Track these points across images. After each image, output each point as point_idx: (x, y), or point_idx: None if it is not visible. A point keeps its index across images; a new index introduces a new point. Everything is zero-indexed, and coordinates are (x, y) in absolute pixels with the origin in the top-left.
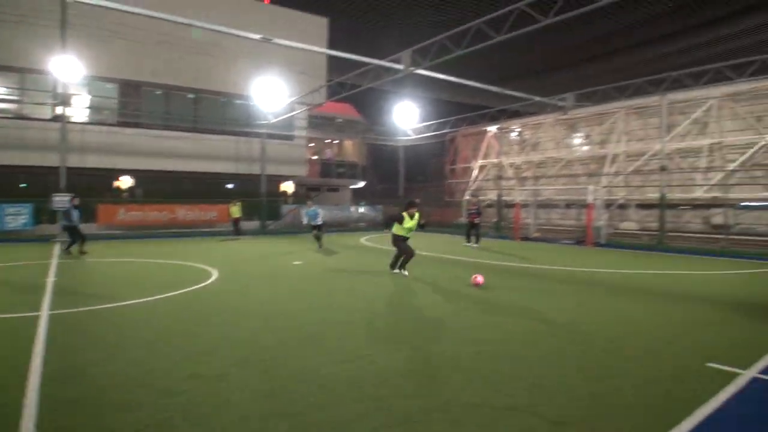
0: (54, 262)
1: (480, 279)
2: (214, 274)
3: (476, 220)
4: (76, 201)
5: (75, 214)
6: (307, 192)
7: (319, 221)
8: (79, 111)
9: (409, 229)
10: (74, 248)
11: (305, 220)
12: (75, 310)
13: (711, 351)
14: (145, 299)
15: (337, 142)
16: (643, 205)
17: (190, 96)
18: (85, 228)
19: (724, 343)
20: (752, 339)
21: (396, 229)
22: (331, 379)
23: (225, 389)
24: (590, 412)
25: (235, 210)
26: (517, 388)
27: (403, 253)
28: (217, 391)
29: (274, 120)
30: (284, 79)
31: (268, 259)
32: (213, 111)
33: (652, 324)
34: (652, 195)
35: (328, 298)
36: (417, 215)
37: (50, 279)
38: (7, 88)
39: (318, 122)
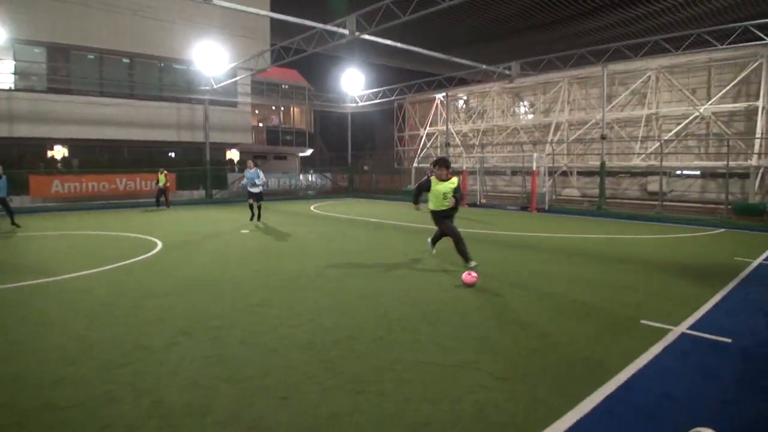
0: None
1: (471, 278)
2: (159, 245)
3: None
4: None
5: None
6: (253, 159)
7: (258, 188)
8: (4, 77)
9: (443, 197)
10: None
11: (244, 182)
12: (10, 285)
13: (644, 309)
14: (84, 272)
15: (283, 109)
16: (585, 173)
17: (126, 60)
18: (18, 201)
19: (656, 301)
20: (682, 297)
21: (430, 202)
22: (280, 344)
23: (172, 359)
24: (531, 367)
25: (161, 178)
26: (463, 347)
27: (447, 235)
28: (163, 360)
29: (217, 86)
30: (226, 44)
31: (214, 228)
32: (151, 76)
33: (591, 284)
34: (593, 163)
35: (276, 265)
36: (455, 180)
37: None
38: None
39: (263, 88)
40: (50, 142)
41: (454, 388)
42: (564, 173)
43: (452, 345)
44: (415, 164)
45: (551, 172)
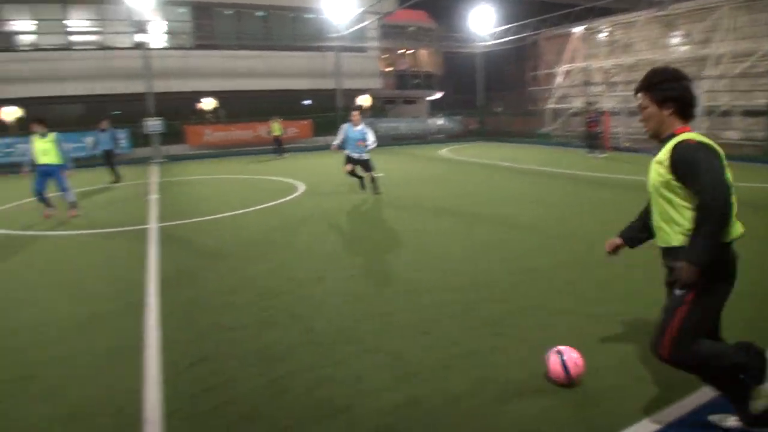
0: (153, 181)
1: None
2: (300, 188)
3: (597, 129)
4: (105, 125)
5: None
6: (383, 105)
7: (365, 153)
8: (157, 37)
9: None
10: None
11: (336, 143)
12: (177, 222)
13: None
14: (238, 212)
15: (411, 52)
16: (750, 112)
17: (260, 14)
18: (175, 149)
19: None
20: None
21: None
22: (417, 286)
23: (319, 292)
24: None
25: (276, 127)
26: (608, 298)
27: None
28: (312, 293)
29: (345, 32)
30: None
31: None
32: (284, 27)
33: None
34: (761, 101)
35: (415, 208)
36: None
37: (152, 196)
38: (88, 20)
39: (390, 32)
40: (200, 95)
41: (596, 340)
42: (724, 113)
43: (596, 296)
44: (550, 105)
45: (709, 112)
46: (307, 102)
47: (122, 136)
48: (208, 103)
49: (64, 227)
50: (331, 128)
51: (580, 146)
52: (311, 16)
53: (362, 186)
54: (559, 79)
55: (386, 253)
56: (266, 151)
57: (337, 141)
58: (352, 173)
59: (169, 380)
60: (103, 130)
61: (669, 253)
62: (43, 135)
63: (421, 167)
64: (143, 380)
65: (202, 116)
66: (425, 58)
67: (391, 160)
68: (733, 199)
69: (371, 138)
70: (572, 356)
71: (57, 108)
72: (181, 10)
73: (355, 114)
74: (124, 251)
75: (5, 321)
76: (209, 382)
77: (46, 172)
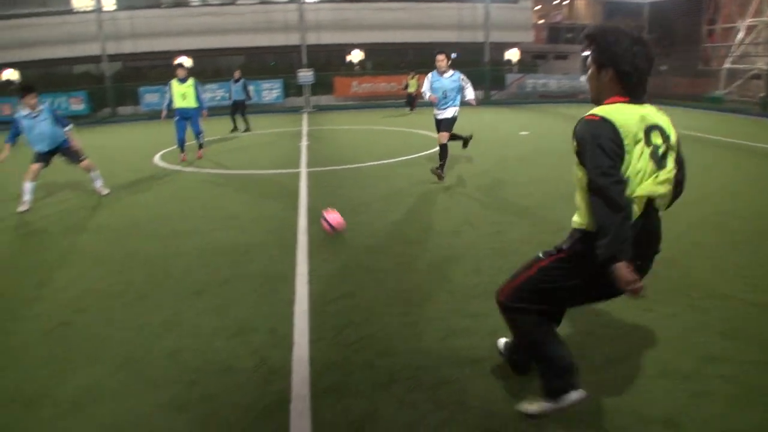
0: (303, 130)
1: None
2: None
3: None
4: (238, 75)
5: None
6: (532, 60)
7: (452, 108)
8: None
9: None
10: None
11: (427, 96)
12: (325, 168)
13: None
14: (379, 162)
15: (566, 2)
16: None
17: None
18: (324, 99)
19: None
20: None
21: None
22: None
23: (459, 244)
24: None
25: (413, 83)
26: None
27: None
28: (452, 244)
29: None
30: None
31: (494, 128)
32: None
33: None
34: None
35: (559, 168)
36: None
37: (303, 143)
38: None
39: None
40: (349, 47)
41: (754, 328)
42: None
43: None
44: (727, 64)
45: None
46: (454, 55)
47: (252, 87)
48: (356, 55)
49: (222, 167)
50: (477, 83)
51: (761, 115)
52: None
53: (464, 145)
54: (740, 35)
55: (530, 212)
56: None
57: (428, 93)
58: (454, 138)
59: (316, 310)
60: (236, 81)
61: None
62: (183, 80)
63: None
64: (293, 307)
65: (350, 68)
66: (582, 9)
67: (538, 120)
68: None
69: (470, 90)
70: (333, 216)
71: (221, 60)
72: None
73: (441, 58)
74: (278, 191)
75: (175, 246)
76: (351, 317)
77: (184, 115)
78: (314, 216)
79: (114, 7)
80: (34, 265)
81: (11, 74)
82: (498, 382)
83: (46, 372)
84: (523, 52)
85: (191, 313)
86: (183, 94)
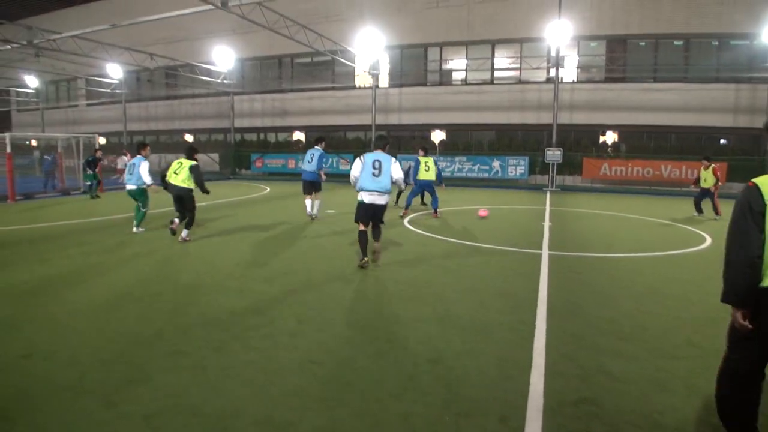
0: (547, 209)
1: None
2: (708, 240)
3: None
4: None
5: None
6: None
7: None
8: (569, 71)
9: None
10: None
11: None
12: (568, 254)
13: None
14: (633, 254)
15: None
16: None
17: (678, 43)
18: (570, 180)
19: None
20: None
21: None
22: None
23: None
24: None
25: (708, 177)
26: None
27: None
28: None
29: None
30: None
31: None
32: (706, 57)
33: None
34: None
35: None
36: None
37: (546, 223)
38: (508, 57)
39: None
40: (603, 128)
41: None
42: None
43: None
44: None
45: None
46: (723, 141)
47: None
48: (609, 137)
49: (466, 238)
50: (751, 174)
51: None
52: (741, 42)
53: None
54: None
55: None
56: (670, 192)
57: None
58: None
59: (550, 409)
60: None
61: None
62: (426, 154)
63: None
64: (527, 400)
65: (601, 149)
66: None
67: None
68: None
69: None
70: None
71: (473, 134)
72: (594, 44)
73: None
74: (519, 270)
75: (416, 311)
76: (590, 426)
77: (424, 186)
78: (554, 303)
79: (387, 85)
80: (297, 302)
81: (299, 135)
82: None
83: (295, 403)
84: None
85: (426, 379)
86: (426, 167)
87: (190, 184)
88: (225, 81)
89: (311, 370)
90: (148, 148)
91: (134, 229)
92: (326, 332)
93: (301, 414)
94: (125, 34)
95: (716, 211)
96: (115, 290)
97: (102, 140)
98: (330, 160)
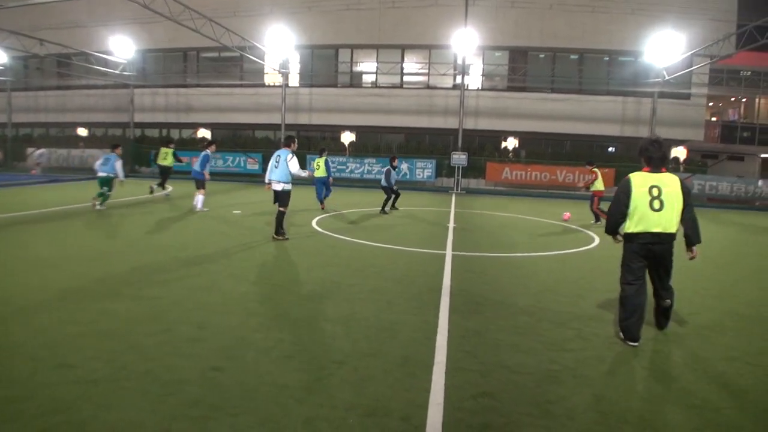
0: (452, 211)
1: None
2: (596, 240)
3: None
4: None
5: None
6: (701, 159)
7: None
8: (474, 79)
9: None
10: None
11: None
12: (473, 254)
13: None
14: (528, 254)
15: (745, 100)
16: None
17: (574, 57)
18: (474, 183)
19: None
20: None
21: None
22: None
23: (612, 356)
24: None
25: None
26: None
27: None
28: (604, 356)
29: (669, 77)
30: (682, 30)
31: None
32: (598, 71)
33: None
34: None
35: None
36: None
37: (451, 225)
38: (417, 63)
39: (722, 77)
40: (505, 134)
41: None
42: None
43: None
44: None
45: None
46: (611, 149)
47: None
48: (510, 143)
49: (371, 239)
50: None
51: None
52: (628, 59)
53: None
54: None
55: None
56: (562, 195)
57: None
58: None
59: (451, 404)
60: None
61: None
62: (321, 155)
63: (755, 243)
64: (429, 396)
65: (503, 154)
66: (764, 108)
67: (714, 230)
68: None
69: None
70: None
71: (383, 137)
72: (498, 53)
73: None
74: (424, 270)
75: (322, 311)
76: (488, 419)
77: (321, 181)
78: (456, 302)
79: (297, 84)
80: (198, 306)
81: (204, 133)
82: None
83: (196, 413)
84: (691, 151)
85: (331, 381)
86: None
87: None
88: (124, 72)
89: (212, 378)
90: (120, 147)
91: (98, 207)
92: (228, 336)
93: (201, 425)
94: (12, 16)
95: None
96: None
97: None
98: (237, 159)
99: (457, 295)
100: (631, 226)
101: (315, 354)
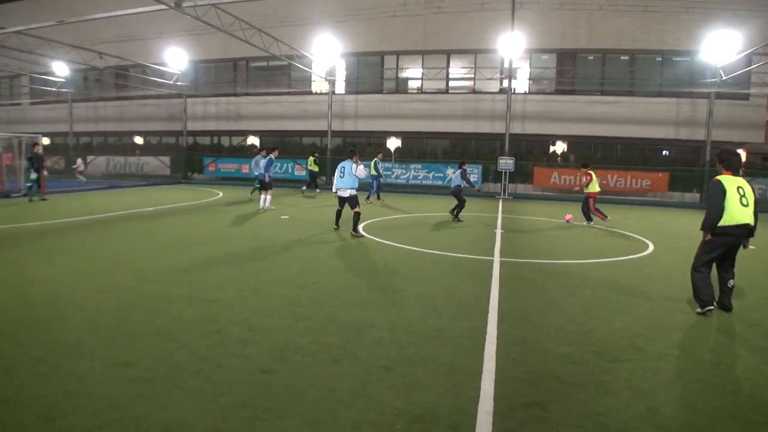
0: (499, 216)
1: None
2: (650, 247)
3: None
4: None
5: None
6: (761, 162)
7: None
8: (521, 83)
9: None
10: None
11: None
12: (521, 260)
13: None
14: (579, 261)
15: None
16: None
17: (624, 58)
18: (522, 188)
19: None
20: None
21: None
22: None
23: (666, 367)
24: None
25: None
26: None
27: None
28: (659, 368)
29: (726, 77)
30: (740, 27)
31: None
32: (650, 72)
33: None
34: None
35: None
36: None
37: (498, 230)
38: (462, 67)
39: None
40: (553, 138)
41: None
42: None
43: None
44: None
45: None
46: (665, 152)
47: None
48: (559, 147)
49: (418, 244)
50: (692, 184)
51: None
52: (682, 59)
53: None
54: None
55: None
56: (612, 201)
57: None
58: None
59: (501, 413)
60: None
61: None
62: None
63: None
64: (477, 405)
65: (551, 158)
66: None
67: None
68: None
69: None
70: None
71: (428, 142)
72: (545, 56)
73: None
74: (471, 276)
75: (369, 317)
76: (538, 430)
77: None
78: (504, 309)
79: (343, 91)
80: (248, 310)
81: (253, 140)
82: None
83: (246, 414)
84: (750, 153)
85: (379, 387)
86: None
87: None
88: (178, 83)
89: (262, 380)
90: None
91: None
92: (277, 339)
93: (251, 425)
94: (73, 31)
95: (588, 217)
96: (54, 298)
97: (46, 140)
98: (285, 165)
99: (504, 303)
100: (726, 220)
101: (362, 359)
